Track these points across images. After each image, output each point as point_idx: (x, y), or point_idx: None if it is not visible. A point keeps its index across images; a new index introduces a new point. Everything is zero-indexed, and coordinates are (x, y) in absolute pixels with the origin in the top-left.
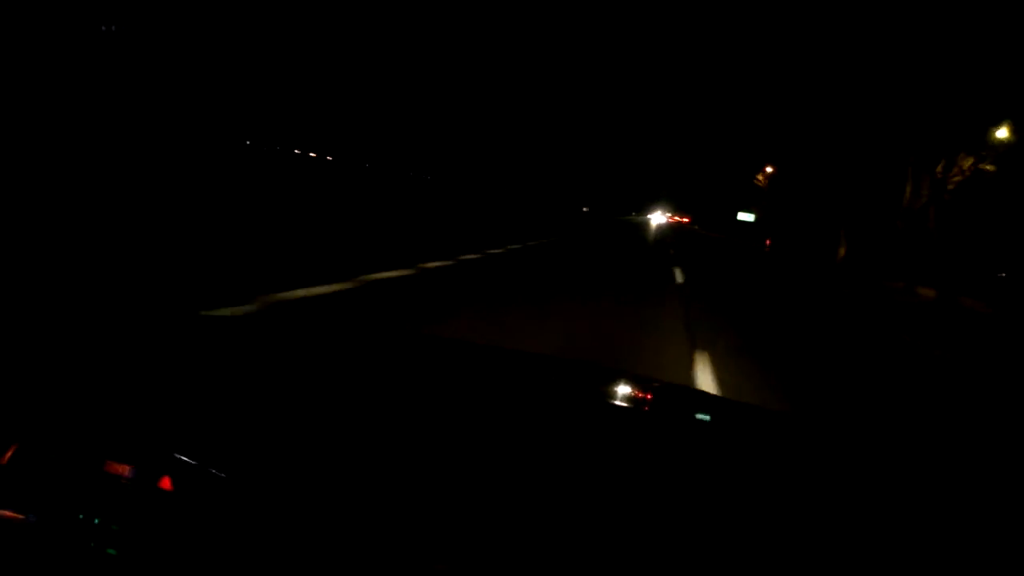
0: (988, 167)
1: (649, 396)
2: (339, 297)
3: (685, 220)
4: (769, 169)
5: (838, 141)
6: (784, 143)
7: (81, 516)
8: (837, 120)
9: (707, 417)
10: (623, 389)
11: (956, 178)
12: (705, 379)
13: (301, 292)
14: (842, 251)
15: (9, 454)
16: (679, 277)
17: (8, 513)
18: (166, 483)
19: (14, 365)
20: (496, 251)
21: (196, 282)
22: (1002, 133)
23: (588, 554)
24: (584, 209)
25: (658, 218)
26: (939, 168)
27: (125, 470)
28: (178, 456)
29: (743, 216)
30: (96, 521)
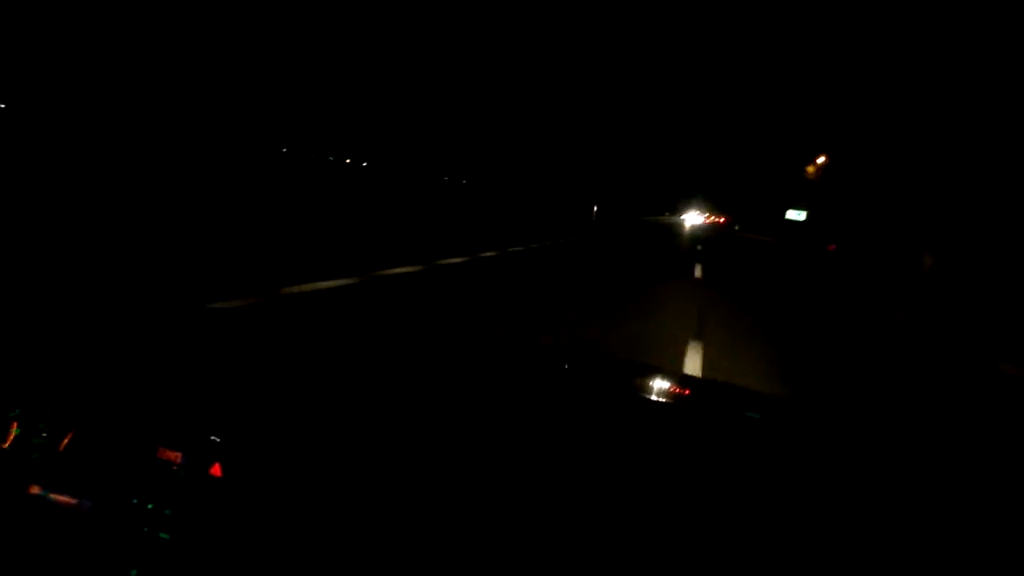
0: None
1: (689, 391)
2: (344, 292)
3: (721, 220)
4: (821, 159)
5: (917, 116)
6: (842, 125)
7: (135, 501)
8: (916, 91)
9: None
10: (661, 385)
11: None
12: None
13: (309, 286)
14: (928, 259)
15: (66, 441)
16: (693, 362)
17: (64, 498)
18: (216, 470)
19: (68, 355)
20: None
21: (220, 275)
22: None
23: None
24: (594, 208)
25: (693, 219)
26: None
27: (177, 457)
28: (227, 443)
29: (792, 215)
30: (150, 506)
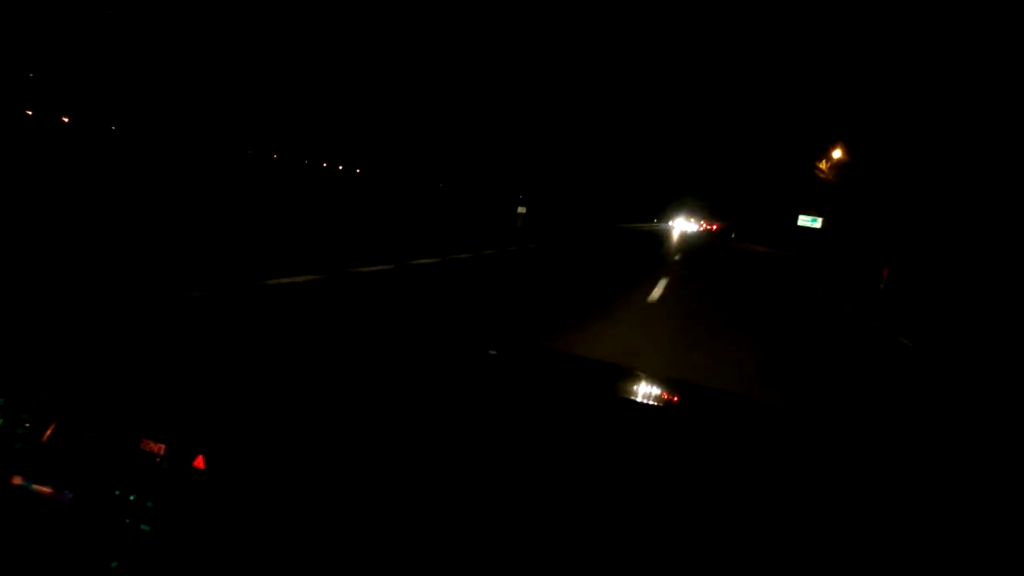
0: None
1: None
2: (317, 285)
3: (714, 228)
4: (836, 152)
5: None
6: (862, 106)
7: (117, 493)
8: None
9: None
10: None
11: None
12: None
13: (286, 279)
14: None
15: (48, 432)
16: None
17: (46, 489)
18: (199, 462)
19: (52, 344)
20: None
21: (203, 268)
22: None
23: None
24: (520, 210)
25: (684, 225)
26: None
27: (160, 449)
28: (211, 436)
29: (805, 221)
30: (131, 498)
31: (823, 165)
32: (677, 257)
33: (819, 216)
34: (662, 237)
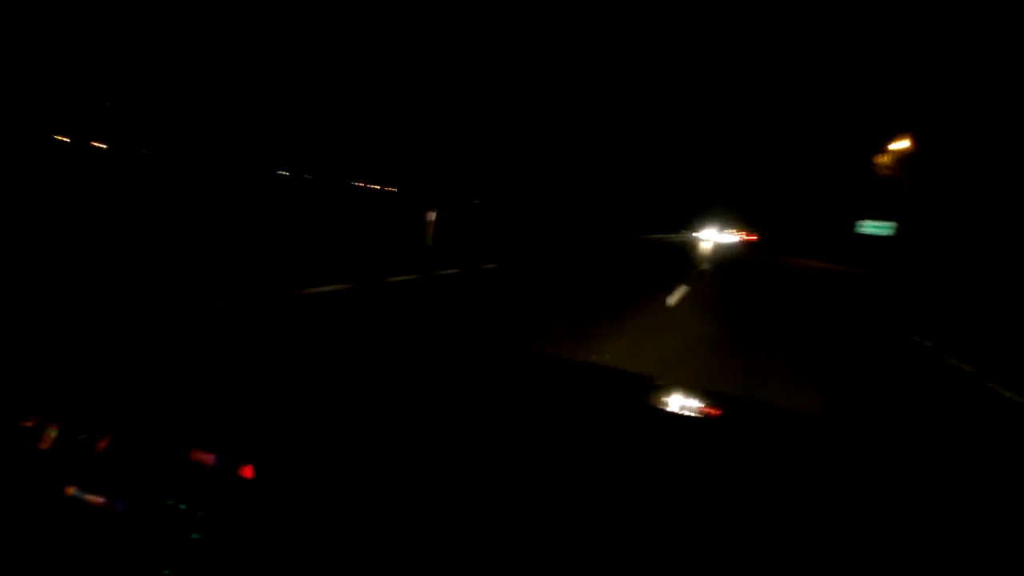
0: None
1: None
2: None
3: (754, 239)
4: (903, 143)
5: None
6: (933, 84)
7: (168, 502)
8: None
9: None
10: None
11: None
12: None
13: (329, 287)
14: None
15: (104, 444)
16: None
17: (99, 499)
18: (248, 471)
19: (106, 360)
20: None
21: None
22: None
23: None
24: (430, 216)
25: (714, 236)
26: None
27: (209, 459)
28: (259, 446)
29: (871, 227)
30: (182, 507)
31: (882, 159)
32: (676, 297)
33: (888, 220)
34: (679, 254)
